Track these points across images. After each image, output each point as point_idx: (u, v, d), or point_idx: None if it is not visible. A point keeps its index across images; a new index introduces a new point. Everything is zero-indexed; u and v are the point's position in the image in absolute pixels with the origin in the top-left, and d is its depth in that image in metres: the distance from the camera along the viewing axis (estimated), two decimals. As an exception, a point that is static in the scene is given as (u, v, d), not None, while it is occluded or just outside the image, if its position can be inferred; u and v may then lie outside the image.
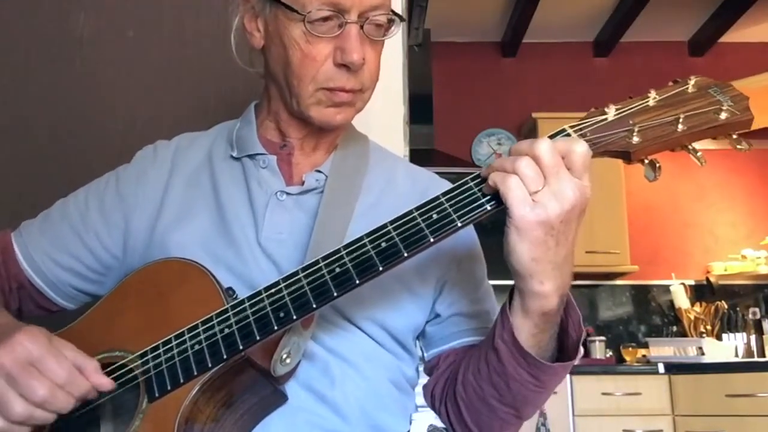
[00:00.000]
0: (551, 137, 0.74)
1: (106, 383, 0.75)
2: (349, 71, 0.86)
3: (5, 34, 1.50)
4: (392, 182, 1.00)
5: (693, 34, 4.37)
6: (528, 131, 4.18)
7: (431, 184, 1.02)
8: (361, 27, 0.86)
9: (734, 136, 0.76)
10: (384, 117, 1.47)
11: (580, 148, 0.72)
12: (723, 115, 0.74)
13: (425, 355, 1.00)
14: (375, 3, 0.86)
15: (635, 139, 0.74)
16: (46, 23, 1.51)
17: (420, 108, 3.71)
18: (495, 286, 1.03)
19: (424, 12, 3.52)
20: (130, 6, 1.53)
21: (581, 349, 0.83)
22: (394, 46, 1.53)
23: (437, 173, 1.06)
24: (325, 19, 0.85)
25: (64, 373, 0.72)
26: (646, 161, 0.76)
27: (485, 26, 4.31)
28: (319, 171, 0.95)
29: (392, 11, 0.89)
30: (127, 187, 0.97)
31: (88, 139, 1.45)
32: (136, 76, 1.50)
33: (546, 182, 0.70)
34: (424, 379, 1.00)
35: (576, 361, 0.83)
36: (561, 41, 4.44)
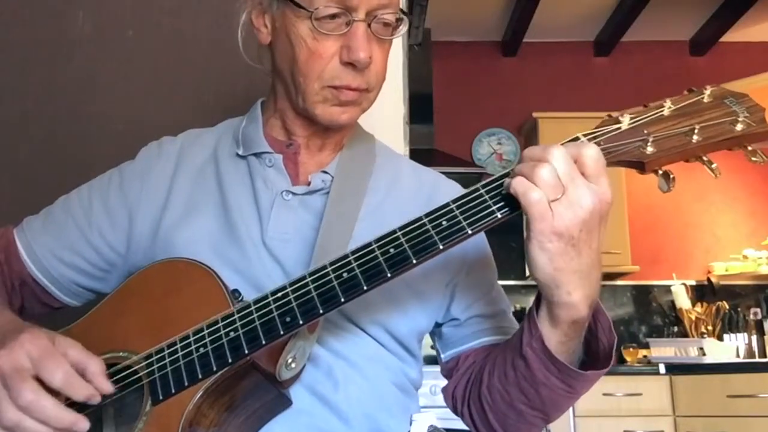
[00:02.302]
0: (563, 145, 0.72)
1: (107, 387, 0.74)
2: (356, 70, 0.85)
3: (3, 33, 1.49)
4: (397, 182, 0.99)
5: (694, 33, 4.36)
6: (528, 131, 4.18)
7: (437, 184, 1.01)
8: (369, 25, 0.85)
9: (749, 148, 0.74)
10: (384, 117, 1.45)
11: (591, 151, 0.70)
12: (739, 127, 0.72)
13: (442, 356, 0.99)
14: (384, 2, 0.85)
15: (649, 150, 0.72)
16: (44, 22, 1.50)
17: (420, 108, 3.70)
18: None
19: (424, 11, 3.51)
20: (130, 5, 1.52)
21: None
22: (394, 45, 1.52)
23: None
24: (333, 16, 0.84)
25: (60, 376, 0.71)
26: (660, 172, 0.74)
27: (485, 25, 4.30)
28: (325, 172, 0.94)
29: (401, 10, 0.88)
30: (131, 184, 0.96)
31: (87, 139, 1.45)
32: (135, 76, 1.49)
33: (564, 191, 0.69)
34: (439, 382, 0.99)
35: (608, 369, 0.81)
36: (561, 41, 4.44)
